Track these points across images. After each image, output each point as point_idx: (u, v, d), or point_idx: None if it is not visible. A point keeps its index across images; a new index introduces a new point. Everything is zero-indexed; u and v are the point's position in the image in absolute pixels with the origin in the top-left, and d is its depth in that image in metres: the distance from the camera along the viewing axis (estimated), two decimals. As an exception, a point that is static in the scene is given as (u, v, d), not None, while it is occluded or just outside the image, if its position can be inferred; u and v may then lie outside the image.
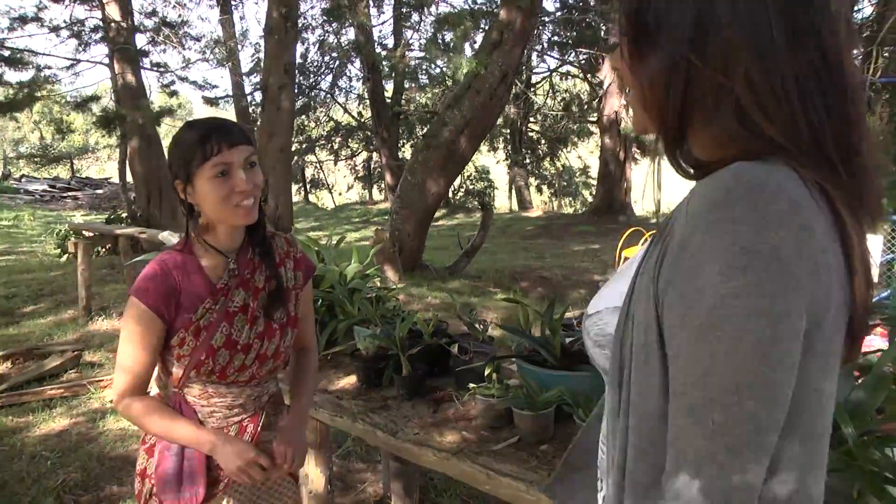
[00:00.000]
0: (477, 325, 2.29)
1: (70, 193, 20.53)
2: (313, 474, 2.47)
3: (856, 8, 11.81)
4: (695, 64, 0.74)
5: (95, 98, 10.37)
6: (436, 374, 2.27)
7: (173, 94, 11.91)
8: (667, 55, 0.76)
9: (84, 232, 9.92)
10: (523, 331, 2.06)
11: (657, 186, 16.73)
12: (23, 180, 22.54)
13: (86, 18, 10.06)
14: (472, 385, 1.95)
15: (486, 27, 11.48)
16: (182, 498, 1.53)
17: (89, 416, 4.09)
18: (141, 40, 10.74)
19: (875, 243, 4.67)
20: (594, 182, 18.07)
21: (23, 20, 9.25)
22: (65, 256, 10.09)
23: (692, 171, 0.82)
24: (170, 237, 3.51)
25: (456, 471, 1.79)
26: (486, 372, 1.97)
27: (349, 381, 2.35)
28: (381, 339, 2.21)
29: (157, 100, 11.42)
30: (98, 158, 27.49)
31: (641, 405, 0.78)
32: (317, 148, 22.24)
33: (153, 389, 1.65)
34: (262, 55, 19.96)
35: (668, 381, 0.74)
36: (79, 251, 6.38)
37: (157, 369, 1.62)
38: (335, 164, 23.60)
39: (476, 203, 19.73)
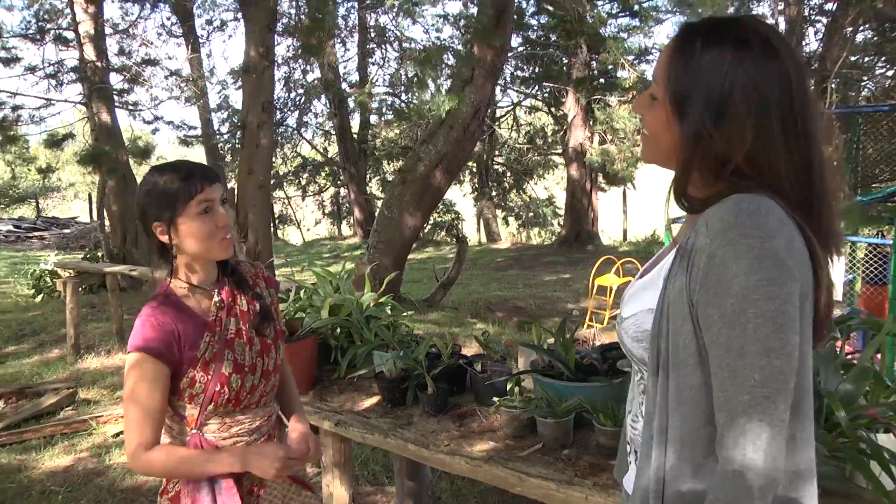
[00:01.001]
0: (492, 346, 2.49)
1: (36, 233, 20.23)
2: (337, 492, 2.61)
3: (803, 42, 12.47)
4: (713, 137, 1.02)
5: (71, 136, 10.41)
6: (455, 392, 2.45)
7: (156, 131, 12.01)
8: (693, 125, 1.04)
9: (59, 270, 9.91)
10: (542, 347, 2.27)
11: (625, 214, 17.18)
12: (-15, 221, 22.18)
13: (63, 60, 10.16)
14: (496, 399, 2.14)
15: (455, 63, 11.83)
16: None
17: (93, 451, 4.16)
18: (113, 79, 10.82)
19: (838, 265, 4.97)
20: (562, 213, 18.44)
21: (5, 61, 9.35)
22: (40, 296, 10.04)
23: (690, 203, 1.10)
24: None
25: (488, 476, 1.98)
26: (509, 387, 2.16)
27: (372, 401, 2.51)
28: (406, 361, 2.38)
29: (129, 138, 11.42)
30: (64, 197, 27.17)
31: (684, 381, 1.04)
32: (284, 183, 22.32)
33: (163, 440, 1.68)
34: (229, 93, 20.11)
35: (703, 360, 1.02)
36: (67, 290, 6.40)
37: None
38: (303, 199, 23.68)
39: (445, 236, 19.98)
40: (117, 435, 4.39)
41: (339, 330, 2.75)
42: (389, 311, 2.93)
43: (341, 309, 2.78)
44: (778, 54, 1.02)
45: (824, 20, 12.34)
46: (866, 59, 12.71)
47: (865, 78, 12.81)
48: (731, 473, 0.94)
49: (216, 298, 1.65)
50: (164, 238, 1.59)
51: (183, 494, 1.59)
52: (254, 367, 1.66)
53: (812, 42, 13.33)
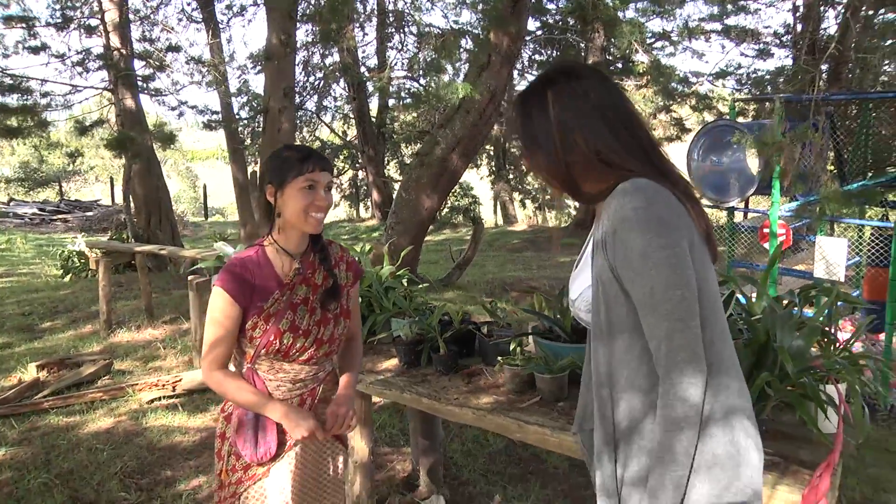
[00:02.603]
0: (498, 313, 2.74)
1: (60, 216, 20.69)
2: (358, 446, 2.89)
3: (822, 27, 12.47)
4: (564, 156, 1.37)
5: (101, 122, 10.76)
6: (465, 354, 2.71)
7: (181, 115, 12.35)
8: (544, 154, 1.39)
9: (86, 251, 10.28)
10: (543, 313, 2.52)
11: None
12: (11, 204, 22.66)
13: (90, 48, 10.46)
14: (500, 358, 2.40)
15: (472, 47, 11.98)
16: (258, 452, 1.92)
17: (131, 415, 4.48)
18: (136, 65, 11.08)
19: (840, 247, 5.15)
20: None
21: (34, 50, 9.71)
22: (68, 276, 10.43)
23: (591, 200, 1.43)
24: (224, 247, 3.93)
25: (492, 425, 2.24)
26: (512, 347, 2.42)
27: (390, 363, 2.78)
28: (421, 326, 2.65)
29: (153, 123, 11.71)
30: (86, 180, 27.68)
31: (621, 337, 1.33)
32: (303, 167, 22.52)
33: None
34: (248, 77, 20.36)
35: (630, 307, 1.30)
36: (100, 268, 6.74)
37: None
38: (322, 182, 23.93)
39: (462, 219, 20.20)
40: (152, 401, 4.71)
41: (360, 299, 3.02)
42: (405, 284, 3.19)
43: (362, 281, 3.05)
44: (580, 75, 1.37)
45: (843, 2, 12.26)
46: (886, 42, 12.64)
47: (887, 62, 12.76)
48: (670, 381, 1.21)
49: (297, 265, 1.95)
50: (272, 199, 1.91)
51: (234, 416, 1.94)
52: (308, 332, 1.94)
53: (831, 25, 13.29)
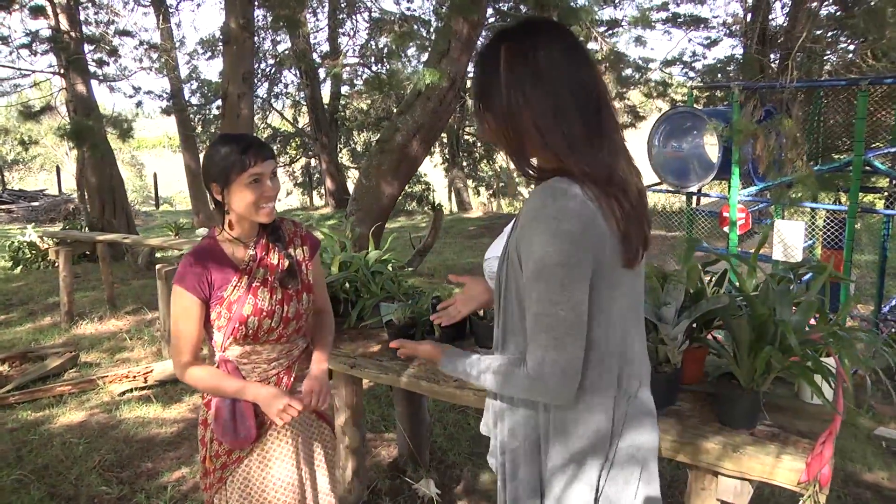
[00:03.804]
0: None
1: (3, 206, 19.95)
2: (349, 431, 2.90)
3: (770, 16, 12.81)
4: (510, 119, 1.31)
5: (50, 108, 10.43)
6: (458, 336, 2.73)
7: (139, 104, 12.05)
8: (493, 120, 1.34)
9: (37, 241, 9.98)
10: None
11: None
12: (-52, 195, 21.73)
13: (38, 30, 10.09)
14: (497, 340, 2.43)
15: (427, 34, 11.95)
16: (238, 437, 1.93)
17: (104, 407, 4.40)
18: (86, 50, 10.75)
19: (798, 230, 5.34)
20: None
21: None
22: (19, 268, 10.10)
23: (535, 176, 1.37)
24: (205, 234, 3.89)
25: (493, 404, 2.27)
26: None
27: (381, 348, 2.79)
28: (413, 309, 2.67)
29: (110, 111, 11.34)
30: (29, 169, 26.73)
31: (510, 307, 1.40)
32: (255, 155, 22.20)
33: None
34: (198, 63, 19.92)
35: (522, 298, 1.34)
36: (60, 258, 6.56)
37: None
38: (274, 170, 23.61)
39: (417, 206, 20.22)
40: (123, 393, 4.62)
41: (347, 284, 3.02)
42: (391, 269, 3.20)
43: (350, 265, 3.04)
44: (539, 33, 1.29)
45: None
46: (829, 33, 13.05)
47: (829, 52, 13.18)
48: (531, 385, 1.32)
49: (251, 252, 1.96)
50: (219, 196, 1.89)
51: (212, 404, 1.97)
52: (272, 312, 1.95)
53: (778, 17, 13.65)
